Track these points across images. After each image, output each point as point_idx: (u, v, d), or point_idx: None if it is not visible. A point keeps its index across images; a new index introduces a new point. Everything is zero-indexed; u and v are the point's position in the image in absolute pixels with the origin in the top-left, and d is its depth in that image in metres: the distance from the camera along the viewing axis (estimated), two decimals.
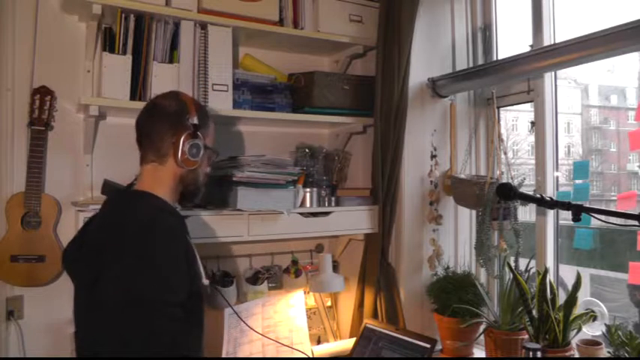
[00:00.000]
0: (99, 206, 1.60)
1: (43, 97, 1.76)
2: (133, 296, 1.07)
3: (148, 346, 1.06)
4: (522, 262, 1.79)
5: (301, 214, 1.94)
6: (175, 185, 1.32)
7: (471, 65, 2.21)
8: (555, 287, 1.68)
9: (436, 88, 2.12)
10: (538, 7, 1.94)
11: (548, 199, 1.47)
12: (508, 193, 1.54)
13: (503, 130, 2.08)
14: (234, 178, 1.76)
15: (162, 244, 1.15)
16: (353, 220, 2.05)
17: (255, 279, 2.12)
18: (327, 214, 2.00)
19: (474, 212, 2.09)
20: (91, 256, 1.18)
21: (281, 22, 2.03)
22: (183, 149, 1.28)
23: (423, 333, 1.81)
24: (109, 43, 1.72)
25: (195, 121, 1.31)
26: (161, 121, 1.30)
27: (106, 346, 1.08)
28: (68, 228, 1.82)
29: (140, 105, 1.73)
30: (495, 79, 1.92)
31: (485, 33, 2.23)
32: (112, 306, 1.08)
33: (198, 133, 1.31)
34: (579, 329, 1.63)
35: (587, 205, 1.40)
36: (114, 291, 1.08)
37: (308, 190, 2.01)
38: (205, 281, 1.28)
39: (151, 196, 1.26)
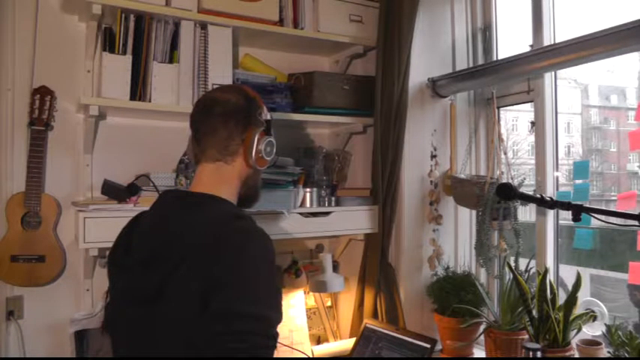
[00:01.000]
0: (99, 206, 1.62)
1: (43, 97, 1.76)
2: (241, 314, 0.95)
3: None
4: (522, 262, 1.79)
5: (301, 214, 1.94)
6: (239, 187, 1.20)
7: (471, 65, 2.21)
8: (555, 287, 1.68)
9: (436, 88, 2.12)
10: (538, 7, 1.94)
11: (548, 199, 1.47)
12: (508, 193, 1.54)
13: (503, 130, 2.07)
14: None
15: (268, 254, 1.03)
16: (353, 220, 2.05)
17: None
18: (327, 214, 2.00)
19: (473, 212, 2.09)
20: (152, 267, 1.04)
21: (281, 22, 2.03)
22: (258, 147, 1.17)
23: (423, 333, 1.81)
24: (109, 43, 1.72)
25: (268, 116, 1.21)
26: (229, 115, 1.17)
27: None
28: (68, 228, 1.82)
29: (140, 105, 1.74)
30: (495, 79, 1.92)
31: (485, 33, 2.23)
32: (212, 324, 0.95)
33: (271, 130, 1.21)
34: (579, 329, 1.63)
35: (587, 205, 1.39)
36: (217, 307, 0.95)
37: (308, 190, 2.01)
38: None
39: (222, 200, 1.13)
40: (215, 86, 1.84)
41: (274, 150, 1.22)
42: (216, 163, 1.17)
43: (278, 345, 1.96)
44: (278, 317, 1.01)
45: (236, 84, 1.31)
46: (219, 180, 1.17)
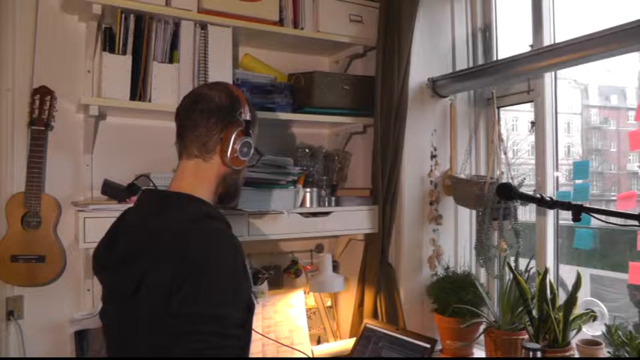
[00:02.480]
0: (99, 206, 1.62)
1: (43, 97, 1.76)
2: (202, 314, 0.97)
3: None
4: (522, 262, 1.79)
5: (301, 214, 1.94)
6: (217, 185, 1.21)
7: (471, 65, 2.21)
8: (555, 287, 1.68)
9: (436, 88, 2.12)
10: (538, 7, 1.94)
11: (548, 199, 1.47)
12: (508, 193, 1.54)
13: (503, 130, 2.08)
14: None
15: (231, 255, 1.04)
16: (353, 220, 2.05)
17: (255, 279, 2.12)
18: (327, 214, 2.00)
19: (474, 212, 2.09)
20: (130, 264, 1.07)
21: (281, 22, 2.03)
22: (234, 147, 1.17)
23: (423, 333, 1.81)
24: (109, 43, 1.72)
25: (247, 117, 1.21)
26: (210, 113, 1.17)
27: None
28: (68, 228, 1.82)
29: (140, 105, 1.74)
30: (495, 79, 1.92)
31: (485, 33, 2.23)
32: (175, 323, 0.97)
33: (250, 130, 1.21)
34: (579, 329, 1.63)
35: (587, 205, 1.39)
36: (179, 307, 0.97)
37: (308, 190, 2.01)
38: (254, 288, 1.20)
39: (197, 199, 1.14)
40: None
41: (251, 150, 1.22)
42: (195, 160, 1.19)
43: (278, 345, 1.96)
44: (239, 316, 1.02)
45: (222, 82, 1.31)
46: (197, 178, 1.18)
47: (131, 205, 1.63)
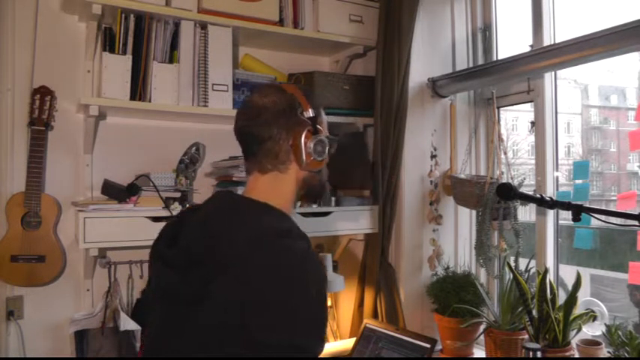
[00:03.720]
0: (99, 206, 1.62)
1: (43, 97, 1.76)
2: (285, 344, 0.88)
3: None
4: (522, 262, 1.79)
5: (301, 214, 1.94)
6: (298, 190, 1.12)
7: (471, 65, 2.21)
8: (555, 287, 1.68)
9: (436, 88, 2.12)
10: (538, 7, 1.94)
11: (548, 199, 1.47)
12: (508, 193, 1.54)
13: (503, 130, 2.07)
14: (234, 178, 1.76)
15: (303, 273, 0.94)
16: (353, 220, 2.05)
17: None
18: (327, 214, 2.00)
19: (473, 212, 2.09)
20: (196, 269, 0.97)
21: (281, 22, 2.03)
22: (308, 150, 1.08)
23: (423, 333, 1.81)
24: (109, 43, 1.72)
25: (311, 113, 1.10)
26: (271, 122, 1.07)
27: None
28: (68, 228, 1.82)
29: (140, 105, 1.74)
30: (495, 79, 1.92)
31: (485, 33, 2.23)
32: (256, 349, 0.88)
33: (318, 126, 1.10)
34: (579, 329, 1.63)
35: (587, 205, 1.39)
36: (265, 335, 0.88)
37: None
38: None
39: (273, 209, 1.05)
40: (215, 86, 1.85)
41: (326, 148, 1.11)
42: (272, 174, 1.09)
43: None
44: (318, 349, 0.93)
45: (272, 84, 1.21)
46: (276, 190, 1.09)
47: (131, 205, 1.65)
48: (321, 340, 0.95)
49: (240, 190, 1.40)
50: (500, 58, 2.07)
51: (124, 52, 1.72)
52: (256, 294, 0.90)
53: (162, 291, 1.04)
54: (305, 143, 1.07)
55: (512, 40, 2.18)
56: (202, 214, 1.06)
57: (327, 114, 2.04)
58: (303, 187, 1.13)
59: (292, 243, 0.98)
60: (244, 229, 0.98)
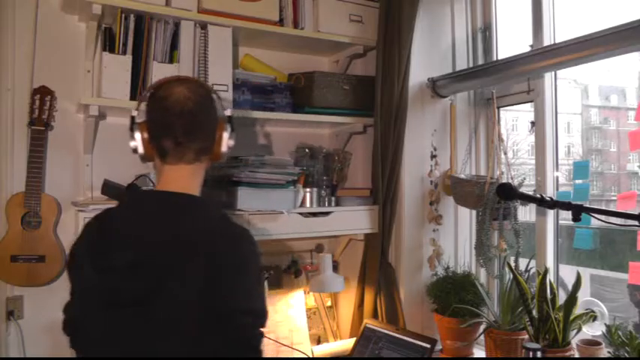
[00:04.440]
0: (99, 206, 1.62)
1: (43, 97, 1.76)
2: (239, 309, 1.02)
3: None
4: (522, 262, 1.79)
5: (301, 214, 1.94)
6: (202, 183, 1.18)
7: (471, 65, 2.21)
8: (555, 287, 1.68)
9: (436, 88, 2.12)
10: (538, 7, 1.94)
11: (548, 199, 1.47)
12: (508, 193, 1.54)
13: (503, 130, 2.08)
14: (234, 178, 1.76)
15: (251, 254, 1.09)
16: (353, 220, 2.04)
17: None
18: (327, 214, 2.00)
19: (474, 212, 2.09)
20: (147, 267, 1.01)
21: (281, 22, 2.03)
22: (228, 142, 1.17)
23: (423, 333, 1.81)
24: (109, 43, 1.72)
25: (229, 112, 1.20)
26: (205, 115, 1.14)
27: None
28: (68, 228, 1.82)
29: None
30: (495, 79, 1.92)
31: (485, 33, 2.23)
32: (210, 319, 0.98)
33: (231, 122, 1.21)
34: (579, 329, 1.63)
35: (587, 205, 1.39)
36: (215, 304, 0.99)
37: (308, 190, 2.01)
38: None
39: (202, 199, 1.14)
40: (215, 86, 1.84)
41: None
42: (192, 165, 1.14)
43: (278, 345, 1.97)
44: (267, 312, 1.09)
45: (191, 78, 1.30)
46: (193, 179, 1.15)
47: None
48: (263, 302, 1.10)
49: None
50: (500, 58, 2.07)
51: (124, 52, 1.72)
52: (212, 274, 0.99)
53: (105, 297, 1.03)
54: (227, 136, 1.17)
55: (512, 40, 2.18)
56: (140, 217, 1.09)
57: (327, 114, 2.07)
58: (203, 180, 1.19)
59: (235, 225, 1.12)
60: (190, 223, 1.06)
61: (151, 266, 1.01)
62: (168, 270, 1.00)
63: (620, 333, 1.53)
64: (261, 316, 1.06)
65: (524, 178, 1.87)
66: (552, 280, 1.71)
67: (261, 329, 1.05)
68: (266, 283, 2.10)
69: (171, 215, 1.08)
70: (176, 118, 1.11)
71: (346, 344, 1.96)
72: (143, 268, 1.01)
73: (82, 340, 1.08)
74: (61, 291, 1.81)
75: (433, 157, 2.14)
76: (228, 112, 1.19)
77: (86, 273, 1.06)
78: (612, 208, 1.76)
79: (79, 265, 1.09)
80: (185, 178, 1.14)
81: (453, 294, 1.91)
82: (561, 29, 1.91)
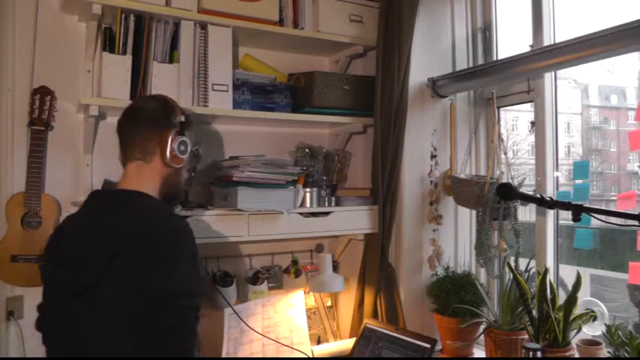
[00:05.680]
0: None
1: (43, 97, 1.76)
2: (174, 290, 1.11)
3: (182, 344, 1.11)
4: (522, 262, 1.79)
5: (301, 214, 1.94)
6: (160, 186, 1.32)
7: (471, 65, 2.21)
8: (555, 287, 1.68)
9: (436, 88, 2.12)
10: (538, 7, 1.94)
11: (548, 199, 1.47)
12: (508, 193, 1.54)
13: (503, 130, 2.08)
14: (234, 178, 1.76)
15: (187, 244, 1.18)
16: (353, 220, 2.04)
17: (255, 279, 2.12)
18: (327, 214, 2.00)
19: (474, 212, 2.09)
20: (89, 260, 1.14)
21: (281, 22, 2.03)
22: (172, 146, 1.30)
23: (423, 333, 1.81)
24: (109, 43, 1.72)
25: (182, 119, 1.34)
26: (146, 121, 1.31)
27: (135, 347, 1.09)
28: None
29: None
30: (495, 79, 1.92)
31: (485, 33, 2.23)
32: (149, 302, 1.09)
33: (185, 132, 1.34)
34: (579, 329, 1.63)
35: (587, 205, 1.39)
36: (152, 287, 1.09)
37: (308, 190, 2.01)
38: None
39: (148, 195, 1.27)
40: (215, 86, 1.85)
41: (188, 149, 1.33)
42: (137, 163, 1.30)
43: (278, 345, 1.97)
44: (199, 292, 1.18)
45: (156, 94, 1.50)
46: (141, 178, 1.29)
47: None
48: (200, 287, 1.20)
49: None
50: (500, 58, 2.07)
51: (124, 52, 1.72)
52: (148, 263, 1.10)
53: (58, 290, 1.20)
54: (172, 140, 1.30)
55: (512, 40, 2.19)
56: (88, 214, 1.25)
57: (327, 114, 2.07)
58: (164, 185, 1.32)
59: (171, 216, 1.24)
60: (128, 214, 1.20)
61: (92, 259, 1.13)
62: (107, 262, 1.11)
63: (620, 333, 1.53)
64: (194, 296, 1.15)
65: (524, 178, 1.87)
66: (552, 280, 1.71)
67: (197, 310, 1.16)
68: (266, 283, 2.11)
69: (112, 210, 1.22)
70: (121, 123, 1.35)
71: (346, 344, 1.96)
72: (85, 261, 1.14)
73: (46, 329, 1.25)
74: None
75: (433, 157, 2.14)
76: (180, 119, 1.34)
77: (47, 270, 1.25)
78: (612, 208, 1.76)
79: (44, 265, 1.27)
80: (131, 176, 1.30)
81: (453, 294, 1.91)
82: (561, 29, 1.91)
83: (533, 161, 1.98)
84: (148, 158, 1.30)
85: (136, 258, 1.11)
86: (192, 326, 1.14)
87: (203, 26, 1.85)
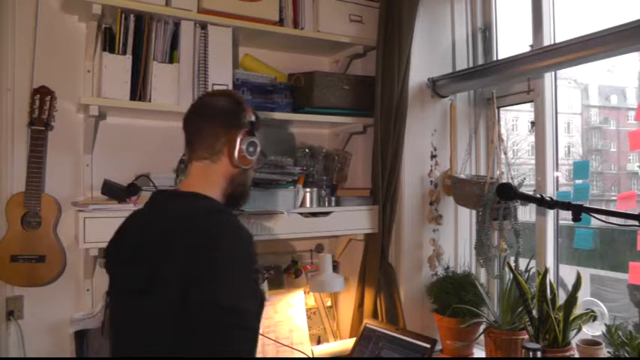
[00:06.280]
0: (99, 206, 1.62)
1: (43, 97, 1.76)
2: (221, 306, 1.01)
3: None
4: (522, 262, 1.79)
5: (301, 214, 1.94)
6: (226, 186, 1.25)
7: (471, 65, 2.21)
8: (555, 287, 1.68)
9: (436, 88, 2.12)
10: (538, 7, 1.94)
11: (548, 199, 1.47)
12: (508, 193, 1.54)
13: (503, 130, 2.08)
14: None
15: (246, 247, 1.11)
16: (353, 220, 2.05)
17: None
18: (327, 214, 2.00)
19: (474, 212, 2.09)
20: (140, 260, 1.11)
21: (281, 22, 2.03)
22: (241, 146, 1.23)
23: (423, 333, 1.81)
24: (109, 43, 1.72)
25: (252, 118, 1.28)
26: (215, 118, 1.25)
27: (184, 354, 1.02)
28: (68, 228, 1.82)
29: (140, 105, 1.75)
30: (495, 79, 1.92)
31: (485, 33, 2.23)
32: (193, 316, 1.01)
33: (255, 132, 1.28)
34: (579, 329, 1.63)
35: (587, 205, 1.39)
36: (197, 299, 1.01)
37: (308, 190, 2.01)
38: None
39: (207, 197, 1.20)
40: (215, 86, 1.85)
41: (257, 149, 1.27)
42: (203, 162, 1.23)
43: (278, 345, 1.96)
44: (255, 310, 1.08)
45: (226, 89, 1.45)
46: (206, 178, 1.23)
47: (131, 205, 1.65)
48: (256, 303, 1.10)
49: None
50: (500, 58, 2.07)
51: (124, 52, 1.72)
52: (195, 266, 1.03)
53: (119, 288, 1.20)
54: (241, 140, 1.23)
55: (512, 40, 2.18)
56: (147, 214, 1.24)
57: (327, 114, 2.07)
58: (230, 185, 1.25)
59: (221, 216, 1.15)
60: (179, 217, 1.13)
61: (145, 259, 1.10)
62: (157, 264, 1.07)
63: (620, 333, 1.53)
64: (241, 315, 1.03)
65: (524, 178, 1.87)
66: (552, 280, 1.71)
67: (243, 327, 1.04)
68: (266, 283, 2.11)
69: (167, 211, 1.18)
70: (187, 119, 1.28)
71: (346, 344, 1.96)
72: (139, 261, 1.12)
73: (111, 329, 1.22)
74: (61, 291, 1.83)
75: (433, 157, 2.14)
76: (250, 118, 1.28)
77: (109, 267, 1.25)
78: (612, 208, 1.76)
79: (106, 261, 1.27)
80: (195, 176, 1.24)
81: (453, 294, 1.90)
82: (561, 29, 1.91)
83: (533, 161, 1.98)
84: (215, 157, 1.23)
85: (179, 262, 1.04)
86: (240, 346, 1.03)
87: (203, 26, 1.85)
